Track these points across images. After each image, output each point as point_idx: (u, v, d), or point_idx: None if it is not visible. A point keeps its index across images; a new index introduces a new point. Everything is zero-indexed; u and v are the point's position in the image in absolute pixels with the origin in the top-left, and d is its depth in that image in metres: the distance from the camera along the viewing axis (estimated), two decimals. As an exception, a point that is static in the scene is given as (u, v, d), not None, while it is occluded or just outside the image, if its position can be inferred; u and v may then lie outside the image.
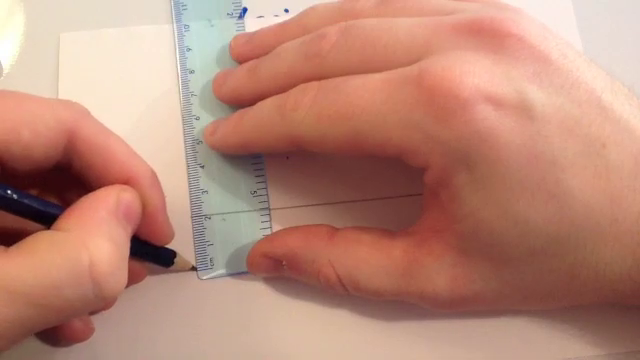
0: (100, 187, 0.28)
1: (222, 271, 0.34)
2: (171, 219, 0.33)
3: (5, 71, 0.38)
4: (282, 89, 0.32)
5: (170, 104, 0.37)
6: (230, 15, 0.39)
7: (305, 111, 0.30)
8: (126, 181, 0.29)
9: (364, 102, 0.28)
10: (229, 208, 0.35)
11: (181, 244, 0.34)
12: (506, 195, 0.27)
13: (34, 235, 0.25)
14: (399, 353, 0.33)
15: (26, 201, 0.27)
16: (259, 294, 0.34)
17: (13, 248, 0.25)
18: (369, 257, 0.30)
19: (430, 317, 0.33)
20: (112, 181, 0.29)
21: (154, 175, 0.31)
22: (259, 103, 0.32)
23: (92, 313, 0.33)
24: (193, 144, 0.36)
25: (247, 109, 0.33)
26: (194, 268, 0.34)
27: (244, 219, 0.35)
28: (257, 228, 0.35)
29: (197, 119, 0.36)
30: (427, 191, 0.31)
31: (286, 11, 0.39)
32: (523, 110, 0.26)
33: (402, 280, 0.30)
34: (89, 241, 0.25)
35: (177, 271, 0.34)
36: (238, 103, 0.35)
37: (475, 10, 0.30)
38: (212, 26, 0.38)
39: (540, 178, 0.26)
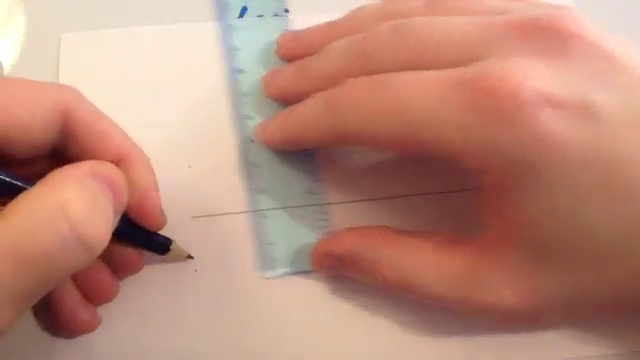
0: None
1: (284, 270, 0.34)
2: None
3: (6, 71, 0.37)
4: (330, 87, 0.32)
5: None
6: (276, 14, 0.39)
7: (354, 105, 0.30)
8: (118, 163, 0.29)
9: (416, 99, 0.28)
10: (287, 206, 0.35)
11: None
12: (573, 199, 0.26)
13: (13, 200, 0.25)
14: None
15: (5, 178, 0.26)
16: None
17: None
18: (429, 262, 0.30)
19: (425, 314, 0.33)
20: (106, 160, 0.29)
21: (146, 158, 0.31)
22: (307, 99, 0.33)
23: (122, 275, 0.32)
24: (246, 143, 0.36)
25: (295, 105, 0.33)
26: (190, 257, 0.33)
27: (302, 217, 0.35)
28: (316, 225, 0.35)
29: (249, 118, 0.37)
30: (486, 197, 0.29)
31: (286, 11, 0.39)
32: (586, 110, 0.26)
33: (462, 289, 0.29)
34: (59, 186, 0.25)
35: (173, 260, 0.33)
36: (287, 101, 0.35)
37: (528, 9, 0.29)
38: (259, 25, 0.39)
39: (608, 179, 0.26)
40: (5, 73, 0.37)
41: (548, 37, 0.27)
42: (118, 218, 0.28)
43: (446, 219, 0.35)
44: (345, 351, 0.33)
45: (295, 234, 0.35)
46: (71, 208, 0.24)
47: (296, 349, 0.33)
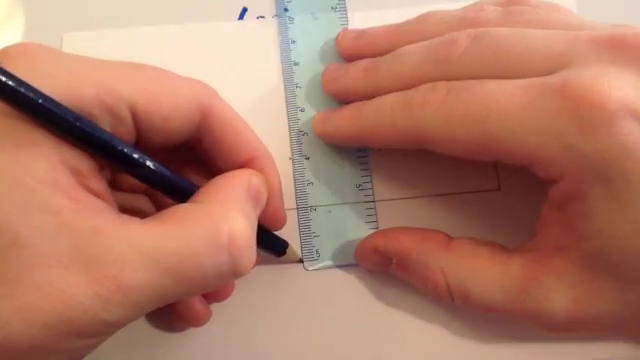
0: (226, 165, 0.30)
1: (328, 262, 0.35)
2: None
3: None
4: (401, 89, 0.32)
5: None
6: (334, 9, 0.39)
7: (434, 109, 0.30)
8: (250, 161, 0.30)
9: (500, 106, 0.28)
10: (334, 200, 0.36)
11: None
12: None
13: (173, 207, 0.26)
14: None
15: (165, 172, 0.27)
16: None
17: (151, 218, 0.25)
18: (484, 270, 0.30)
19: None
20: (238, 160, 0.30)
21: (272, 158, 0.31)
22: (380, 97, 0.32)
23: (212, 300, 0.33)
24: (298, 136, 0.37)
25: (366, 102, 0.33)
26: (301, 260, 0.34)
27: (349, 211, 0.36)
28: (363, 221, 0.35)
29: (302, 111, 0.37)
30: (550, 205, 0.30)
31: (285, 10, 0.39)
32: None
33: (517, 298, 0.29)
34: (229, 214, 0.26)
35: (285, 262, 0.34)
36: (349, 99, 0.35)
37: (607, 27, 0.30)
38: (316, 19, 0.39)
39: None
40: None
41: (634, 53, 0.28)
42: None
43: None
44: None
45: (341, 228, 0.35)
46: (235, 240, 0.26)
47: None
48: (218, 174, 0.29)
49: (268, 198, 0.30)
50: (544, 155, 0.27)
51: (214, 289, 0.29)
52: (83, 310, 0.23)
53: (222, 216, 0.26)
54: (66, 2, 0.39)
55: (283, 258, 0.34)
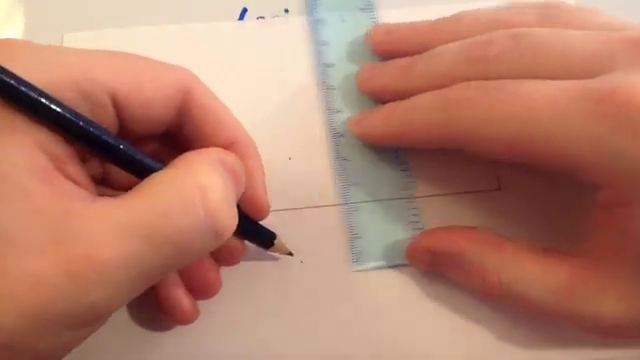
0: None
1: (374, 263, 0.35)
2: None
3: None
4: (436, 89, 0.32)
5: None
6: (362, 9, 0.39)
7: (471, 108, 0.29)
8: (229, 146, 0.29)
9: (539, 107, 0.28)
10: (377, 201, 0.36)
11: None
12: None
13: (145, 179, 0.25)
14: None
15: (143, 157, 0.27)
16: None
17: (124, 194, 0.25)
18: (536, 271, 0.30)
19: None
20: (218, 145, 0.29)
21: (254, 143, 0.31)
22: (415, 97, 0.32)
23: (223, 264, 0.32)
24: (335, 137, 0.37)
25: (400, 102, 0.33)
26: (290, 254, 0.34)
27: (392, 211, 0.35)
28: (406, 220, 0.35)
29: (338, 112, 0.37)
30: (600, 209, 0.29)
31: (286, 11, 0.40)
32: None
33: (566, 300, 0.29)
34: (198, 169, 0.26)
35: (274, 254, 0.34)
36: (384, 99, 0.35)
37: None
38: (345, 20, 0.39)
39: None
40: None
41: None
42: None
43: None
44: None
45: (385, 228, 0.35)
46: (209, 194, 0.25)
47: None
48: None
49: (248, 183, 0.30)
50: (586, 161, 0.27)
51: (200, 256, 0.28)
52: (59, 294, 0.22)
53: (190, 173, 0.25)
54: (66, 2, 0.39)
55: (272, 250, 0.33)
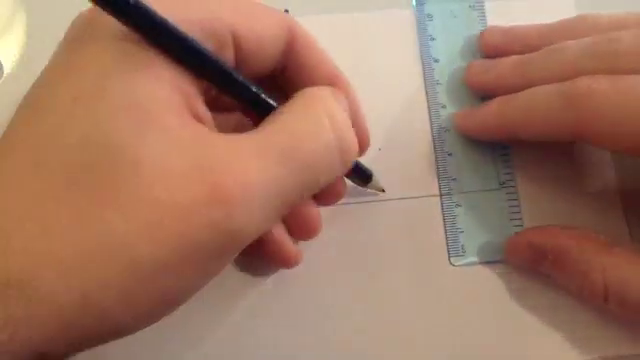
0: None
1: (474, 259, 0.35)
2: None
3: (7, 71, 0.37)
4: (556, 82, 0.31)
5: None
6: (472, 7, 0.39)
7: (603, 99, 0.29)
8: (332, 85, 0.30)
9: None
10: (478, 196, 0.36)
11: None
12: None
13: (271, 114, 0.27)
14: None
15: (260, 93, 0.27)
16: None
17: (257, 127, 0.26)
18: None
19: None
20: (320, 83, 0.30)
21: (350, 84, 0.31)
22: (532, 89, 0.32)
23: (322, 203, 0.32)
24: (440, 132, 0.37)
25: (515, 94, 0.33)
26: (383, 191, 0.35)
27: (493, 207, 0.36)
28: (507, 218, 0.35)
29: (443, 107, 0.37)
30: None
31: (286, 11, 0.39)
32: None
33: None
34: (323, 97, 0.27)
35: (369, 191, 0.35)
36: (496, 93, 0.35)
37: None
38: (455, 17, 0.39)
39: None
40: (6, 73, 0.37)
41: None
42: None
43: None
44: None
45: (486, 224, 0.35)
46: (337, 117, 0.26)
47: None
48: None
49: (352, 117, 0.30)
50: None
51: (328, 182, 0.28)
52: (207, 221, 0.22)
53: (317, 100, 0.27)
54: (69, 4, 0.39)
55: (369, 186, 0.34)
